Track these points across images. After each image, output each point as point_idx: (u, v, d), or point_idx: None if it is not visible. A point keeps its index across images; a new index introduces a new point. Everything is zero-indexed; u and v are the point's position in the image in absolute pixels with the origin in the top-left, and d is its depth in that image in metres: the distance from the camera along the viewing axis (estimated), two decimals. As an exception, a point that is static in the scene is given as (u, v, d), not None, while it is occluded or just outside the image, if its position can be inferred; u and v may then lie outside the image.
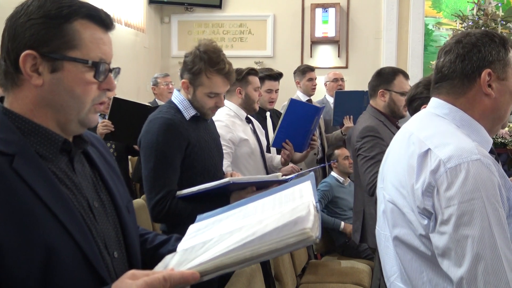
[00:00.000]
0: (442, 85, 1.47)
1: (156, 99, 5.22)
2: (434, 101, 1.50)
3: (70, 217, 1.05)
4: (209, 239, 1.12)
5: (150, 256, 1.34)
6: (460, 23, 6.96)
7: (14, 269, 0.95)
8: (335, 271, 3.84)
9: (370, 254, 3.99)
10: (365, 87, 5.84)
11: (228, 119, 3.02)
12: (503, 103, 1.43)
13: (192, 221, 2.03)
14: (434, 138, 1.36)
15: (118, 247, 1.19)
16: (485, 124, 1.43)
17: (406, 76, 3.17)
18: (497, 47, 1.41)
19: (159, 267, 1.05)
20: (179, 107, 2.31)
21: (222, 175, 2.41)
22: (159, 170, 2.17)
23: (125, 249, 1.22)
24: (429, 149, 1.33)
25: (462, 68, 1.42)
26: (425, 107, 2.19)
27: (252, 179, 2.14)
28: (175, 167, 2.20)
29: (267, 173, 3.20)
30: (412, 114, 2.36)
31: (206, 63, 2.22)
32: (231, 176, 2.22)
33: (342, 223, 4.22)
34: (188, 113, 2.30)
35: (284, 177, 2.19)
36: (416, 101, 2.30)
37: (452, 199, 1.24)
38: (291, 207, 1.13)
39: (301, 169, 4.01)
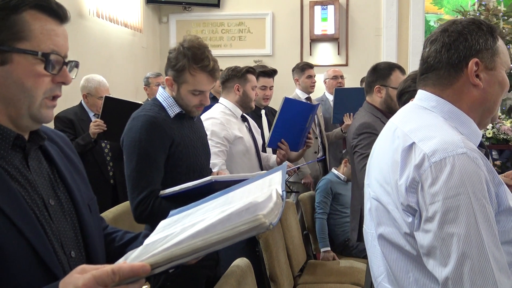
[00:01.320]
0: (428, 76, 1.41)
1: (149, 99, 5.14)
2: (420, 93, 1.43)
3: (21, 214, 1.01)
4: (171, 232, 1.08)
5: (118, 254, 1.28)
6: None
7: None
8: (334, 271, 3.79)
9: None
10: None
11: (223, 117, 2.99)
12: (492, 94, 1.36)
13: None
14: (419, 131, 1.29)
15: (76, 247, 1.16)
16: (474, 117, 1.37)
17: (402, 71, 3.12)
18: (484, 35, 1.34)
19: (119, 262, 1.00)
20: (163, 104, 2.25)
21: (208, 174, 2.35)
22: (142, 169, 2.11)
23: (84, 248, 1.18)
24: (413, 143, 1.27)
25: (448, 58, 1.35)
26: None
27: (235, 177, 2.09)
28: (159, 166, 2.14)
29: (263, 171, 3.14)
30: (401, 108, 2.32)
31: (190, 59, 2.16)
32: (218, 174, 2.17)
33: (327, 248, 4.12)
34: (173, 110, 2.24)
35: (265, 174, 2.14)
36: (405, 95, 2.26)
37: (436, 195, 1.18)
38: (253, 197, 1.08)
39: (298, 167, 3.97)
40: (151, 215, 2.08)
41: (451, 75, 1.35)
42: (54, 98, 1.13)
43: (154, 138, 2.12)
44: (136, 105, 3.84)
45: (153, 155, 2.12)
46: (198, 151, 2.30)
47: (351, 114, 4.52)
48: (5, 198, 1.00)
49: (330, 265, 3.91)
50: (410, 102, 1.48)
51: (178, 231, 1.04)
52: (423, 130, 1.29)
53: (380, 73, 3.06)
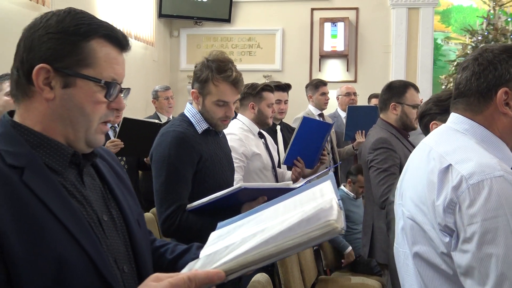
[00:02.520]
0: (459, 101, 1.44)
1: (157, 113, 5.14)
2: (453, 116, 1.46)
3: (82, 230, 1.04)
4: (231, 243, 1.11)
5: (172, 266, 1.33)
6: (469, 38, 6.96)
7: (27, 283, 0.95)
8: (345, 287, 3.78)
9: (380, 271, 3.93)
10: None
11: (242, 133, 3.01)
12: None
13: (202, 235, 2.00)
14: (454, 153, 1.32)
15: (128, 262, 1.18)
16: (507, 141, 1.39)
17: (416, 89, 3.16)
18: None
19: (183, 272, 1.03)
20: (192, 120, 2.29)
21: None
22: (170, 184, 2.14)
23: (135, 263, 1.20)
24: (450, 164, 1.29)
25: (477, 86, 1.38)
26: (435, 123, 2.19)
27: (263, 185, 2.11)
28: (187, 181, 2.17)
29: None
30: (423, 130, 2.34)
31: (213, 71, 2.21)
32: None
33: (350, 248, 4.15)
34: (201, 126, 2.28)
35: (295, 185, 2.16)
36: (426, 117, 2.28)
37: (475, 216, 1.20)
38: (312, 205, 1.10)
39: (309, 180, 3.98)
40: (178, 229, 2.11)
41: (480, 103, 1.39)
42: (106, 123, 1.16)
43: (182, 154, 2.16)
44: (153, 124, 3.91)
45: (182, 170, 2.15)
46: (224, 167, 2.33)
47: (363, 131, 4.55)
48: (67, 214, 1.03)
49: (342, 282, 3.90)
50: (443, 125, 1.51)
51: (239, 241, 1.06)
52: (459, 152, 1.32)
53: (395, 90, 3.10)
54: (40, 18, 1.11)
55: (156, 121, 4.06)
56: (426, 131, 2.28)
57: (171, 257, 1.37)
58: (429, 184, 1.33)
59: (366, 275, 4.04)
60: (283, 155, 3.63)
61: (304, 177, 3.43)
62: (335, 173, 4.58)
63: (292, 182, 3.25)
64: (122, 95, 1.17)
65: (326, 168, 4.37)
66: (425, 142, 1.49)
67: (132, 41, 5.97)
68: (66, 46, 1.08)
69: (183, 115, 2.35)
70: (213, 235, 1.33)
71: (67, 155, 1.11)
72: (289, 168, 3.35)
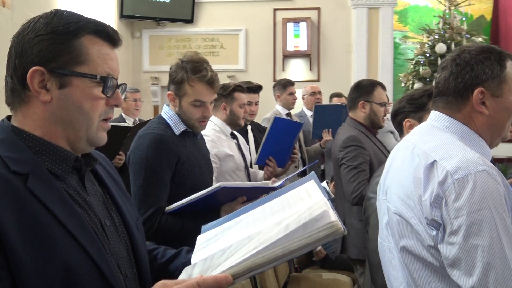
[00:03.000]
0: (439, 99, 1.50)
1: (122, 114, 5.05)
2: (434, 114, 1.52)
3: (87, 236, 1.04)
4: (227, 246, 1.12)
5: (162, 271, 1.33)
6: (427, 37, 7.16)
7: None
8: (317, 283, 3.84)
9: (350, 265, 4.01)
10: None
11: (214, 134, 3.02)
12: (499, 119, 1.45)
13: (182, 237, 2.00)
14: (438, 150, 1.37)
15: (130, 266, 1.18)
16: (484, 138, 1.46)
17: (383, 87, 3.25)
18: (491, 64, 1.42)
19: (182, 278, 1.04)
20: (169, 122, 2.29)
21: None
22: (149, 186, 2.13)
23: (136, 267, 1.20)
24: (434, 161, 1.34)
25: (455, 86, 1.45)
26: (408, 120, 2.26)
27: (242, 184, 2.13)
28: (165, 183, 2.17)
29: None
30: (396, 128, 2.40)
31: (188, 71, 2.22)
32: None
33: (319, 247, 4.21)
34: (178, 128, 2.28)
35: (274, 184, 2.18)
36: (400, 115, 2.34)
37: (461, 209, 1.26)
38: (306, 206, 1.13)
39: (281, 186, 4.02)
40: (157, 232, 2.10)
41: (458, 102, 1.45)
42: (106, 120, 1.16)
43: (160, 156, 2.15)
44: (117, 128, 3.85)
45: (160, 172, 2.15)
46: (203, 168, 2.34)
47: (330, 130, 4.63)
48: (72, 221, 1.03)
49: (313, 278, 3.96)
50: (424, 122, 1.56)
51: (234, 244, 1.08)
52: (443, 149, 1.37)
53: (364, 89, 3.18)
54: (28, 23, 1.11)
55: (125, 124, 3.99)
56: (399, 128, 2.34)
57: (161, 262, 1.37)
58: (415, 180, 1.37)
59: (336, 271, 4.11)
60: (254, 155, 3.66)
61: (276, 176, 3.47)
62: (303, 171, 4.64)
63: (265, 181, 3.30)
64: (119, 90, 1.16)
65: (295, 166, 4.43)
66: (408, 140, 1.54)
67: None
68: (57, 46, 1.07)
69: (160, 117, 2.34)
70: (200, 239, 1.33)
71: (70, 161, 1.11)
72: (261, 168, 3.38)
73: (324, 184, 4.37)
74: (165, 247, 1.45)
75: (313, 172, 1.43)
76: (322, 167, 5.01)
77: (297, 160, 4.40)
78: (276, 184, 2.17)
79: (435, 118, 1.51)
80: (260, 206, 1.35)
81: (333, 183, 4.32)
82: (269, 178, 3.28)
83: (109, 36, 1.14)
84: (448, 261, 1.29)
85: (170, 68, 2.31)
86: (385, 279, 1.66)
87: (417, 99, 2.27)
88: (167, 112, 2.32)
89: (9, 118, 1.13)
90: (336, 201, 3.34)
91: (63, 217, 1.01)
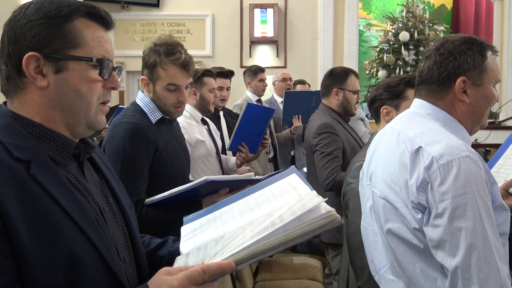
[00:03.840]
0: (422, 87, 1.55)
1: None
2: (417, 102, 1.57)
3: (89, 224, 1.05)
4: (218, 236, 1.14)
5: (149, 259, 1.33)
6: (390, 25, 7.29)
7: (40, 276, 0.95)
8: (289, 267, 3.90)
9: (321, 249, 4.09)
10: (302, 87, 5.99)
11: (184, 120, 2.98)
12: (479, 107, 1.52)
13: (164, 229, 1.96)
14: (423, 136, 1.42)
15: (127, 252, 1.19)
16: (465, 125, 1.52)
17: (357, 75, 3.31)
18: (473, 54, 1.48)
19: (176, 267, 1.05)
20: (145, 110, 2.20)
21: (189, 181, 2.33)
22: (127, 178, 1.99)
23: (133, 254, 1.22)
24: (420, 146, 1.40)
25: (439, 75, 1.50)
26: (385, 107, 2.31)
27: (228, 178, 2.11)
28: (143, 174, 2.09)
29: (223, 173, 3.21)
30: (373, 115, 2.45)
31: (161, 54, 2.14)
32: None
33: None
34: (154, 116, 2.20)
35: (257, 177, 2.19)
36: (377, 102, 2.39)
37: (445, 193, 1.32)
38: (295, 199, 1.16)
39: (252, 167, 4.06)
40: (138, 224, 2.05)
41: (441, 90, 1.51)
42: (104, 103, 1.15)
43: (138, 146, 2.07)
44: None
45: (138, 163, 2.07)
46: (180, 156, 2.28)
47: (300, 116, 4.68)
48: (73, 207, 1.03)
49: (285, 262, 4.02)
50: (408, 109, 1.61)
51: (229, 234, 1.10)
52: (427, 135, 1.42)
53: (337, 77, 3.22)
54: (19, 9, 1.09)
55: None
56: (376, 115, 2.39)
57: (148, 250, 1.38)
58: (401, 165, 1.43)
59: (307, 255, 4.19)
60: (227, 141, 3.67)
61: (247, 162, 3.50)
62: (274, 157, 4.69)
63: (237, 167, 3.32)
64: (115, 73, 1.15)
65: (266, 152, 4.47)
66: (392, 126, 1.59)
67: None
68: (51, 30, 1.06)
69: (135, 104, 2.25)
70: (185, 229, 1.35)
71: (71, 148, 1.10)
72: (233, 154, 3.39)
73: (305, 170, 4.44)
74: (150, 236, 1.46)
75: (293, 166, 1.45)
76: (292, 153, 5.06)
77: (268, 146, 4.45)
78: (259, 177, 2.17)
79: (418, 105, 1.56)
80: (243, 198, 1.38)
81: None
82: (241, 164, 3.31)
83: (102, 19, 1.13)
84: (433, 243, 1.35)
85: (143, 52, 2.23)
86: (366, 260, 1.71)
87: (394, 86, 2.32)
88: (142, 99, 2.23)
89: (5, 104, 1.11)
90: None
91: (65, 203, 1.01)
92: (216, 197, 2.04)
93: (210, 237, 1.20)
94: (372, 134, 2.41)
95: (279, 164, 4.75)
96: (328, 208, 1.01)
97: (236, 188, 2.08)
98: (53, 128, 1.09)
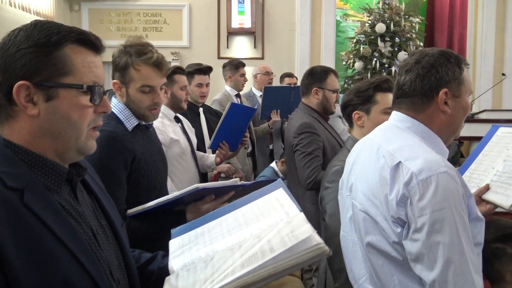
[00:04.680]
0: (402, 101, 1.59)
1: None
2: (396, 115, 1.60)
3: (83, 250, 1.06)
4: (207, 256, 1.16)
5: (138, 274, 1.34)
6: (367, 16, 7.33)
7: None
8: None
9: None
10: (280, 79, 6.01)
11: (157, 121, 2.83)
12: (457, 118, 1.57)
13: (149, 240, 1.93)
14: (403, 151, 1.46)
15: (121, 273, 1.21)
16: (442, 137, 1.57)
17: (336, 74, 3.33)
18: (452, 67, 1.54)
19: None
20: (120, 117, 2.11)
21: (167, 191, 2.30)
22: (105, 189, 1.98)
23: (126, 272, 1.24)
24: (400, 162, 1.43)
25: (421, 88, 1.54)
26: (356, 113, 2.35)
27: (217, 184, 2.09)
28: (122, 184, 2.01)
29: (199, 172, 3.20)
30: (346, 119, 2.48)
31: (132, 55, 2.06)
32: None
33: None
34: (131, 123, 2.11)
35: (242, 182, 2.18)
36: (348, 108, 2.42)
37: (424, 209, 1.35)
38: (283, 220, 1.18)
39: (229, 163, 4.08)
40: None
41: (423, 102, 1.54)
42: (95, 128, 1.16)
43: (115, 155, 1.98)
44: None
45: (116, 173, 1.98)
46: (158, 164, 2.22)
47: (278, 110, 4.71)
48: (67, 234, 1.04)
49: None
50: (386, 122, 1.64)
51: (218, 256, 1.12)
52: (407, 150, 1.46)
53: (317, 76, 3.24)
54: (8, 36, 1.09)
55: None
56: (349, 120, 2.43)
57: (138, 265, 1.39)
58: (381, 179, 1.46)
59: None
60: (207, 139, 3.68)
61: (227, 159, 3.51)
62: (252, 152, 4.71)
63: (216, 164, 3.33)
64: (106, 96, 1.16)
65: (245, 148, 4.49)
66: (371, 139, 1.62)
67: (30, 16, 5.64)
68: (40, 59, 1.06)
69: None
70: (173, 244, 1.36)
71: (63, 174, 1.11)
72: (213, 151, 3.39)
73: (273, 164, 4.47)
74: (140, 251, 1.47)
75: (280, 180, 1.46)
76: (270, 146, 5.09)
77: (248, 143, 4.47)
78: (247, 183, 2.16)
79: (398, 119, 1.59)
80: (231, 213, 1.38)
81: (281, 160, 4.43)
82: (220, 162, 3.32)
83: (92, 44, 1.13)
84: (412, 256, 1.39)
85: (113, 55, 2.14)
86: (343, 263, 1.75)
87: (363, 91, 2.35)
88: (116, 106, 2.13)
89: None
90: (290, 186, 3.42)
91: (59, 231, 1.02)
92: (202, 204, 2.01)
93: (198, 255, 1.22)
94: (349, 137, 2.45)
95: (258, 158, 4.78)
96: (318, 239, 1.02)
97: (222, 193, 2.06)
98: (43, 155, 1.09)
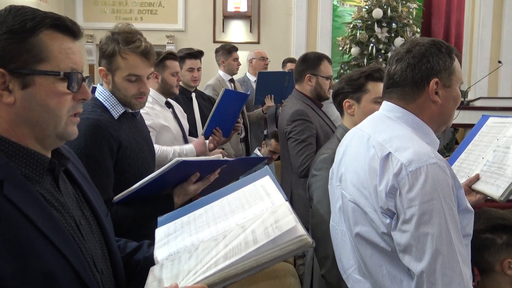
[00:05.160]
0: (393, 90, 1.57)
1: None
2: (386, 105, 1.59)
3: (64, 241, 1.05)
4: (192, 246, 1.15)
5: (124, 263, 1.34)
6: (364, 1, 7.26)
7: None
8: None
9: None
10: (276, 64, 5.99)
11: (147, 106, 2.83)
12: (448, 108, 1.55)
13: (137, 227, 1.91)
14: (393, 141, 1.45)
15: (104, 263, 1.20)
16: (432, 127, 1.55)
17: (330, 61, 3.31)
18: (444, 57, 1.52)
19: (151, 282, 1.09)
20: (105, 105, 2.08)
21: None
22: (92, 178, 1.93)
23: (110, 263, 1.22)
24: (389, 152, 1.42)
25: (413, 77, 1.52)
26: (347, 101, 2.33)
27: (199, 159, 2.05)
28: (109, 172, 1.98)
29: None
30: (337, 107, 2.46)
31: (119, 43, 2.02)
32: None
33: None
34: (117, 111, 2.08)
35: (226, 158, 2.15)
36: (339, 96, 2.40)
37: (413, 200, 1.35)
38: (268, 209, 1.17)
39: (222, 148, 4.07)
40: None
41: (414, 92, 1.53)
42: (76, 115, 1.14)
43: (100, 143, 1.95)
44: None
45: (102, 161, 1.95)
46: (145, 153, 2.19)
47: (272, 95, 4.68)
48: (48, 226, 1.02)
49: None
50: (377, 112, 1.63)
51: (202, 246, 1.11)
52: (396, 141, 1.45)
53: (310, 63, 3.22)
54: None
55: None
56: (340, 108, 2.41)
57: (123, 255, 1.38)
58: (371, 170, 1.45)
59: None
60: (199, 124, 3.66)
61: (220, 145, 3.50)
62: (245, 137, 4.69)
63: (209, 151, 3.31)
64: (85, 83, 1.14)
65: (238, 133, 4.47)
66: (361, 129, 1.60)
67: (24, -1, 5.55)
68: (15, 46, 1.04)
69: (94, 99, 2.10)
70: (159, 233, 1.35)
71: (44, 164, 1.10)
72: (206, 138, 3.38)
73: (256, 151, 4.47)
74: (126, 240, 1.46)
75: (267, 167, 1.45)
76: (265, 132, 5.08)
77: (241, 128, 4.45)
78: (229, 159, 2.15)
79: (388, 108, 1.58)
80: (218, 201, 1.38)
81: (263, 143, 4.43)
82: (214, 147, 3.30)
83: (68, 29, 1.11)
84: (400, 247, 1.38)
85: (100, 41, 2.10)
86: (329, 250, 1.76)
87: (355, 80, 2.34)
88: (102, 93, 2.10)
89: None
90: (283, 173, 3.42)
91: (41, 224, 1.01)
92: (187, 184, 1.99)
93: (184, 244, 1.21)
94: (339, 126, 2.43)
95: (251, 143, 4.77)
96: (301, 231, 1.02)
97: (207, 172, 2.03)
98: (23, 144, 1.08)
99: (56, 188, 1.13)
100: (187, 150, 3.01)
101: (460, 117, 5.53)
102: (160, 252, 1.23)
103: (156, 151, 2.53)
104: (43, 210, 1.03)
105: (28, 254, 0.97)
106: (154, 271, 1.14)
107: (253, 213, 1.21)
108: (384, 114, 1.58)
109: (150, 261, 1.26)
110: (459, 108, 5.68)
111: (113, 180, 2.00)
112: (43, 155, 1.10)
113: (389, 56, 1.67)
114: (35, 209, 1.02)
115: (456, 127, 5.97)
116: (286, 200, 1.20)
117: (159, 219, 1.46)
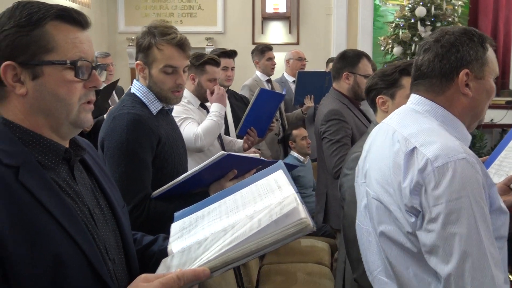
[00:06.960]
0: (420, 82, 1.48)
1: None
2: (414, 98, 1.50)
3: (76, 227, 1.07)
4: (202, 238, 1.16)
5: (140, 256, 1.37)
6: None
7: (24, 280, 0.98)
8: (296, 250, 3.89)
9: (328, 231, 4.07)
10: (315, 64, 5.90)
11: (182, 105, 2.86)
12: (480, 101, 1.45)
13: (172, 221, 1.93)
14: (418, 136, 1.36)
15: (118, 253, 1.22)
16: (463, 121, 1.45)
17: (369, 59, 3.20)
18: (475, 46, 1.42)
19: (161, 270, 1.10)
20: (144, 100, 2.10)
21: None
22: (133, 172, 1.95)
23: (124, 253, 1.25)
24: (415, 147, 1.34)
25: (441, 68, 1.43)
26: (381, 97, 2.23)
27: (243, 154, 2.04)
28: (148, 167, 2.00)
29: None
30: (370, 104, 2.37)
31: (155, 35, 2.06)
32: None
33: None
34: (155, 107, 2.10)
35: (262, 158, 2.13)
36: (372, 92, 2.31)
37: (440, 197, 1.26)
38: (277, 201, 1.16)
39: (259, 149, 4.03)
40: (147, 220, 1.93)
41: (443, 84, 1.43)
42: (89, 102, 1.18)
43: (141, 138, 1.98)
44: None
45: (142, 156, 1.98)
46: (180, 149, 2.20)
47: (312, 96, 4.61)
48: (61, 211, 1.06)
49: (292, 245, 3.99)
50: (404, 106, 1.54)
51: (210, 236, 1.12)
52: (423, 135, 1.36)
53: (349, 60, 3.13)
54: None
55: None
56: (373, 105, 2.32)
57: (139, 248, 1.41)
58: (395, 166, 1.37)
59: (314, 237, 4.17)
60: (231, 123, 3.63)
61: (255, 145, 3.46)
62: (283, 138, 4.64)
63: (244, 150, 3.27)
64: (96, 72, 1.17)
65: (275, 134, 4.43)
66: (388, 123, 1.52)
67: (67, 3, 5.70)
68: (23, 38, 1.08)
69: (132, 95, 2.13)
70: (175, 227, 1.37)
71: (60, 152, 1.14)
72: (239, 137, 3.34)
73: (292, 153, 4.42)
74: (142, 233, 1.49)
75: (280, 161, 1.43)
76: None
77: (277, 128, 4.40)
78: (266, 160, 2.11)
79: (416, 101, 1.49)
80: (232, 195, 1.38)
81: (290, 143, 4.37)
82: (249, 148, 3.26)
83: (74, 20, 1.14)
84: (426, 248, 1.30)
85: (137, 37, 2.14)
86: (360, 255, 1.68)
87: (389, 75, 2.23)
88: (140, 89, 2.12)
89: None
90: (319, 173, 3.36)
91: (54, 210, 1.04)
92: (225, 181, 1.98)
93: (196, 238, 1.22)
94: (372, 123, 2.34)
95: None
96: (302, 214, 0.99)
97: (244, 170, 2.02)
98: (40, 132, 1.12)
99: (72, 177, 1.16)
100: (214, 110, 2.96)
101: (509, 117, 5.30)
102: (174, 245, 1.25)
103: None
104: (57, 197, 1.07)
105: (38, 237, 1.00)
106: (165, 261, 1.15)
107: (263, 205, 1.19)
108: (411, 108, 1.49)
109: (164, 254, 1.28)
110: (507, 108, 5.53)
111: (151, 175, 2.03)
112: (59, 143, 1.14)
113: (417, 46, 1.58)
114: (49, 195, 1.05)
115: (505, 127, 5.72)
116: (297, 192, 1.18)
117: (176, 214, 1.47)
